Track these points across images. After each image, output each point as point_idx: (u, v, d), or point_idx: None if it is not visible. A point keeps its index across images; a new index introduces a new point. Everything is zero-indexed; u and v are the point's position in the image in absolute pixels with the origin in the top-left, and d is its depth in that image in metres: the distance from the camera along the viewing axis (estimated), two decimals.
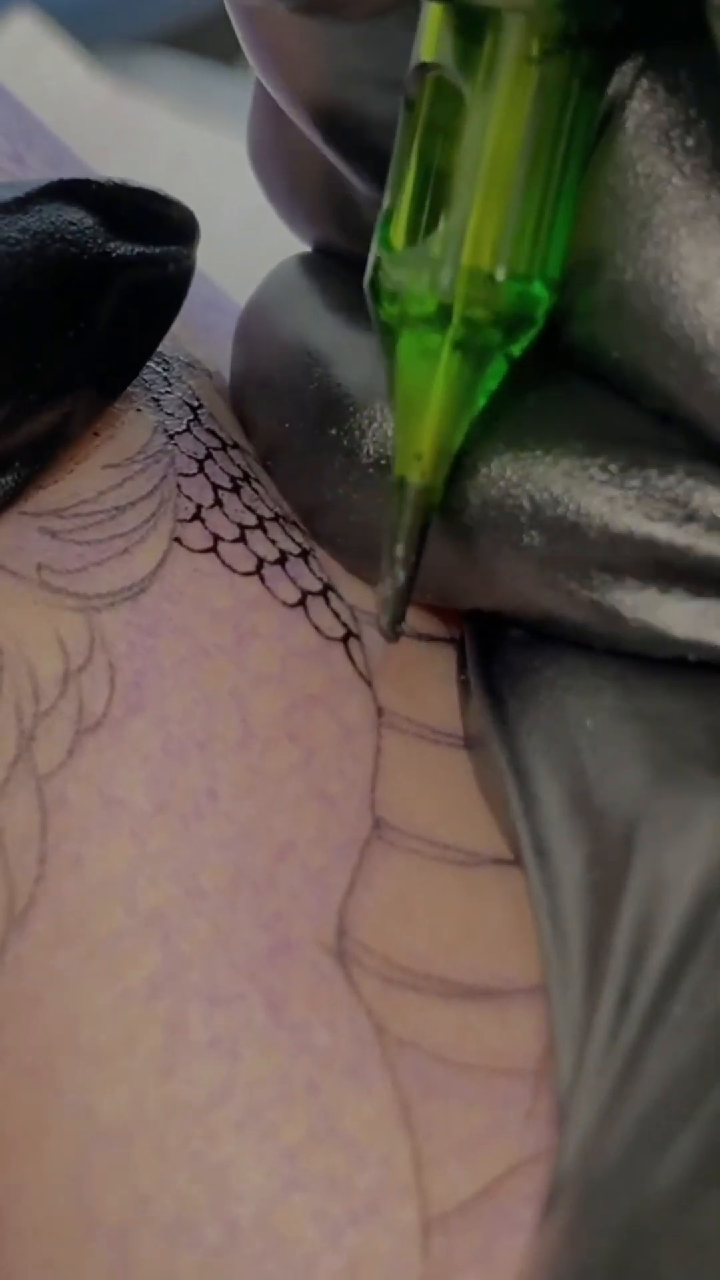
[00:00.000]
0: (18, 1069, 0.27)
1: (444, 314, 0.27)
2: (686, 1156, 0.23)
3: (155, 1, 0.81)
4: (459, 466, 0.28)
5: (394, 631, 0.29)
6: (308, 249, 0.34)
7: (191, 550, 0.30)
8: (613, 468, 0.26)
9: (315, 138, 0.30)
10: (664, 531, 0.26)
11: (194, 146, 0.61)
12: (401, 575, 0.28)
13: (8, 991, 0.27)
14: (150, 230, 0.31)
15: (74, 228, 0.29)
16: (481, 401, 0.27)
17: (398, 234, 0.27)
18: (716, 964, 0.24)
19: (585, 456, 0.27)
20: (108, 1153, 0.26)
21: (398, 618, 0.28)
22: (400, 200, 0.27)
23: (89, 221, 0.30)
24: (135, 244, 0.30)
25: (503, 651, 0.29)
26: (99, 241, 0.30)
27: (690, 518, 0.26)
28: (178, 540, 0.30)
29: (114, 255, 0.30)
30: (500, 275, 0.26)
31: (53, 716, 0.28)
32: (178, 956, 0.27)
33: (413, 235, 0.27)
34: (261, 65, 0.30)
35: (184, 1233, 0.25)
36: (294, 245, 0.34)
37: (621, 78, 0.26)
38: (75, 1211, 0.26)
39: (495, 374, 0.27)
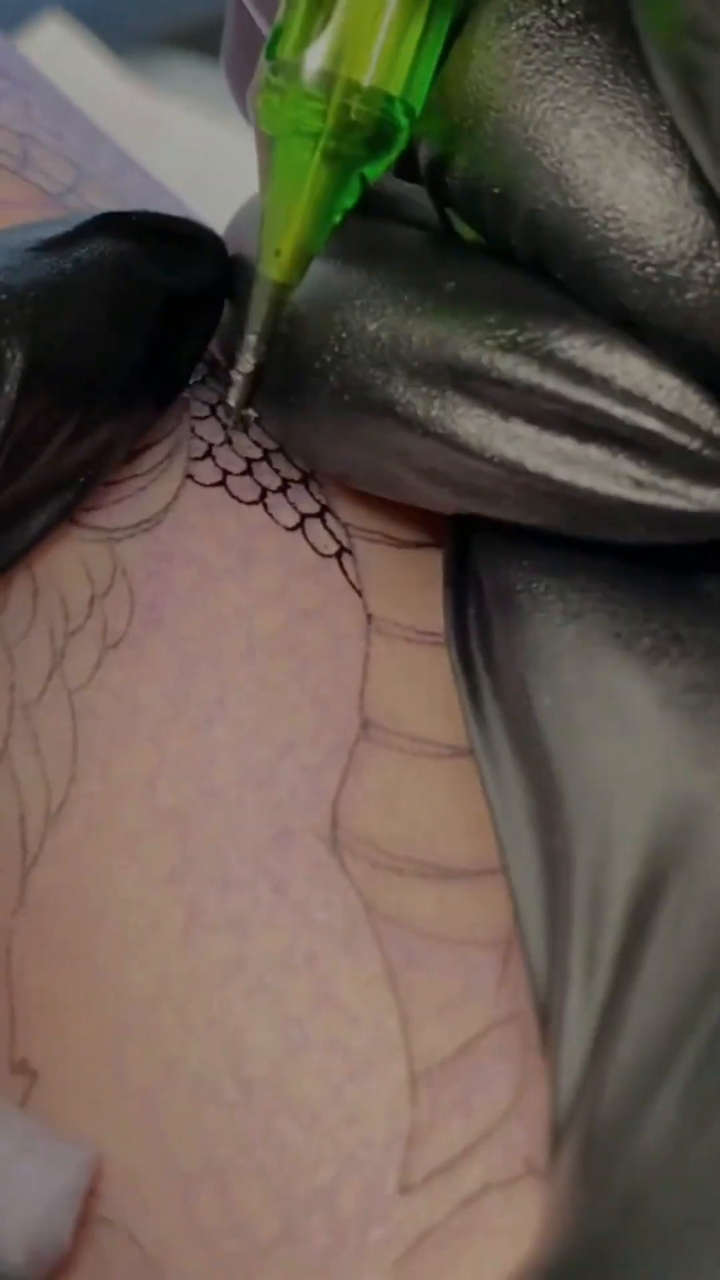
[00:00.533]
0: (59, 948, 0.30)
1: (316, 122, 0.29)
2: (670, 1108, 0.24)
3: (176, 4, 0.83)
4: (374, 344, 0.29)
5: (240, 417, 0.30)
6: None
7: (202, 485, 0.32)
8: (522, 334, 0.28)
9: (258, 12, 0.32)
10: (570, 391, 0.27)
11: (214, 145, 0.63)
12: (252, 360, 0.30)
13: (47, 880, 0.30)
14: (184, 256, 0.33)
15: (118, 259, 0.31)
16: (339, 215, 0.29)
17: (285, 47, 0.29)
18: (676, 924, 0.26)
19: (475, 321, 0.28)
20: (138, 1022, 0.29)
21: (244, 401, 0.30)
22: (292, 18, 0.29)
23: (130, 251, 0.32)
24: (172, 269, 0.32)
25: (479, 607, 0.30)
26: (141, 268, 0.32)
27: (585, 380, 0.27)
28: (190, 477, 0.32)
29: (155, 280, 0.32)
30: (369, 86, 0.28)
31: (81, 636, 0.31)
32: (193, 848, 0.29)
33: (298, 50, 0.29)
34: None
35: (206, 1092, 0.28)
36: None
37: None
38: (112, 1070, 0.29)
39: (352, 191, 0.29)
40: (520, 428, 0.28)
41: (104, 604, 0.31)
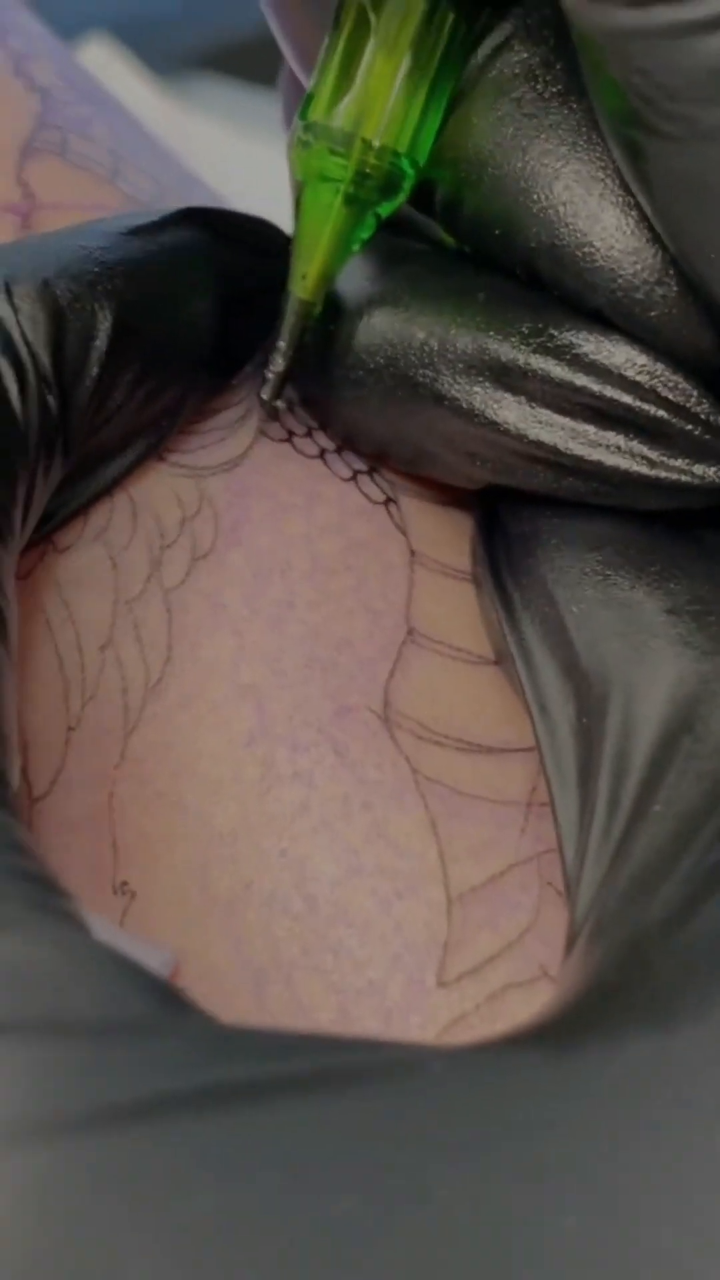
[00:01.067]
0: (156, 792, 0.35)
1: (340, 173, 0.35)
2: (670, 895, 0.28)
3: (211, 30, 0.87)
4: (424, 349, 0.35)
5: (272, 406, 0.37)
6: None
7: (272, 439, 0.39)
8: (548, 335, 0.34)
9: (302, 75, 0.38)
10: (593, 384, 0.33)
11: (243, 161, 0.67)
12: (281, 363, 0.36)
13: (148, 739, 0.35)
14: (257, 249, 0.38)
15: (197, 243, 0.37)
16: (355, 246, 0.36)
17: (316, 111, 0.35)
18: (681, 774, 0.30)
19: (513, 327, 0.34)
20: (221, 850, 0.34)
21: (275, 395, 0.37)
22: (323, 87, 0.35)
23: (208, 239, 0.37)
24: (245, 257, 0.38)
25: (505, 547, 0.36)
26: (215, 253, 0.37)
27: (604, 375, 0.33)
28: (262, 432, 0.39)
29: (225, 265, 0.37)
30: (380, 146, 0.35)
31: (174, 548, 0.37)
32: (268, 715, 0.35)
33: (326, 113, 0.35)
34: (275, 21, 0.37)
35: (277, 904, 0.34)
36: None
37: (500, 33, 0.34)
38: (198, 889, 0.34)
39: (368, 227, 0.36)
40: (552, 416, 0.34)
41: (193, 525, 0.37)
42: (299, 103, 0.36)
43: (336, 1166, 0.24)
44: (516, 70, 0.34)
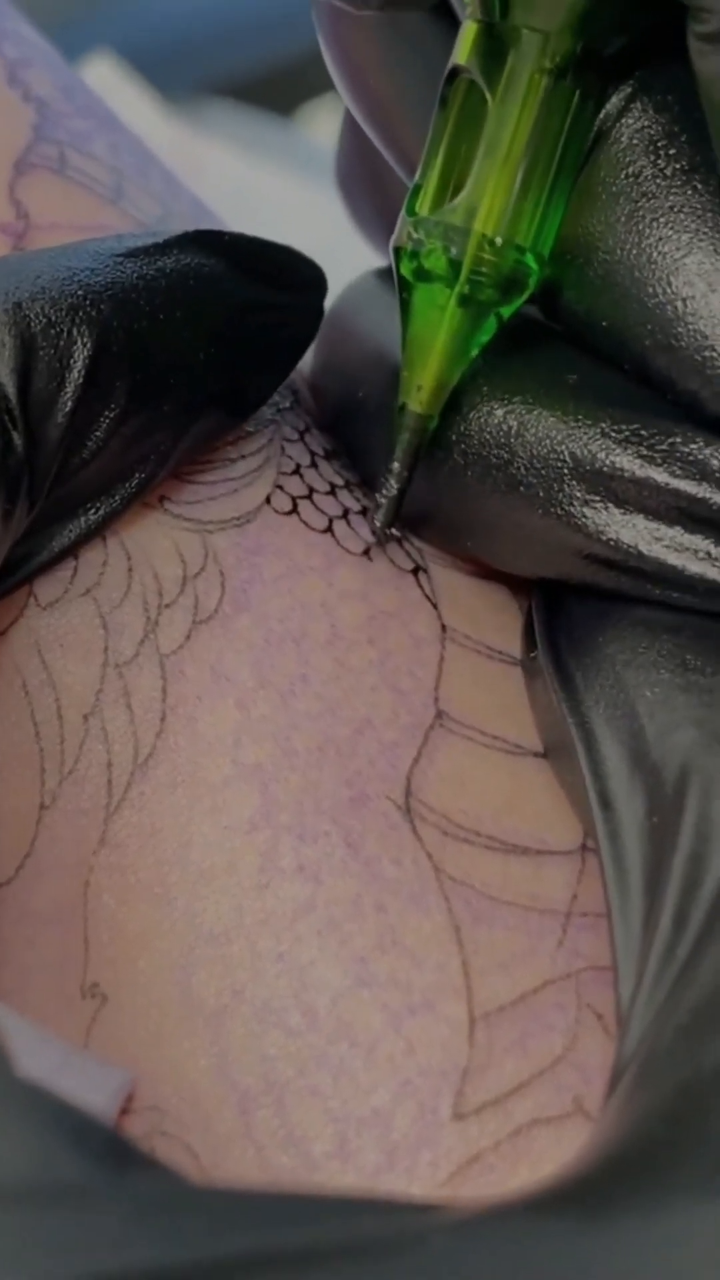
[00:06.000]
0: (137, 884, 0.32)
1: (453, 271, 0.32)
2: None
3: (221, 55, 0.87)
4: (500, 428, 0.33)
5: (385, 534, 0.35)
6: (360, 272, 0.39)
7: (290, 494, 0.36)
8: (641, 431, 0.31)
9: (387, 152, 0.35)
10: (688, 486, 0.31)
11: (249, 185, 0.65)
12: (395, 486, 0.34)
13: (132, 822, 0.32)
14: (279, 280, 0.36)
15: (205, 270, 0.34)
16: (475, 351, 0.33)
17: (424, 204, 0.33)
18: None
19: (600, 416, 0.31)
20: (210, 951, 0.31)
21: (389, 522, 0.34)
22: (429, 178, 0.33)
23: (220, 267, 0.34)
24: (264, 289, 0.35)
25: (568, 628, 0.33)
26: (226, 284, 0.34)
27: (704, 476, 0.31)
28: (279, 487, 0.36)
29: (240, 297, 0.35)
30: (501, 243, 0.32)
31: (174, 609, 0.34)
32: (273, 800, 0.32)
33: (435, 206, 0.33)
34: (345, 87, 0.35)
35: (271, 1015, 0.31)
36: (343, 280, 0.39)
37: (619, 97, 0.32)
38: (180, 995, 0.31)
39: (487, 329, 0.33)
40: (633, 516, 0.31)
41: (196, 583, 0.34)
42: (353, 167, 0.35)
43: None
44: (635, 140, 0.31)
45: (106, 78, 0.70)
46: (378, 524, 0.34)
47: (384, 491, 0.34)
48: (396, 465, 0.34)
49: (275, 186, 0.66)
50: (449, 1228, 0.23)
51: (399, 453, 0.33)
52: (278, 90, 0.85)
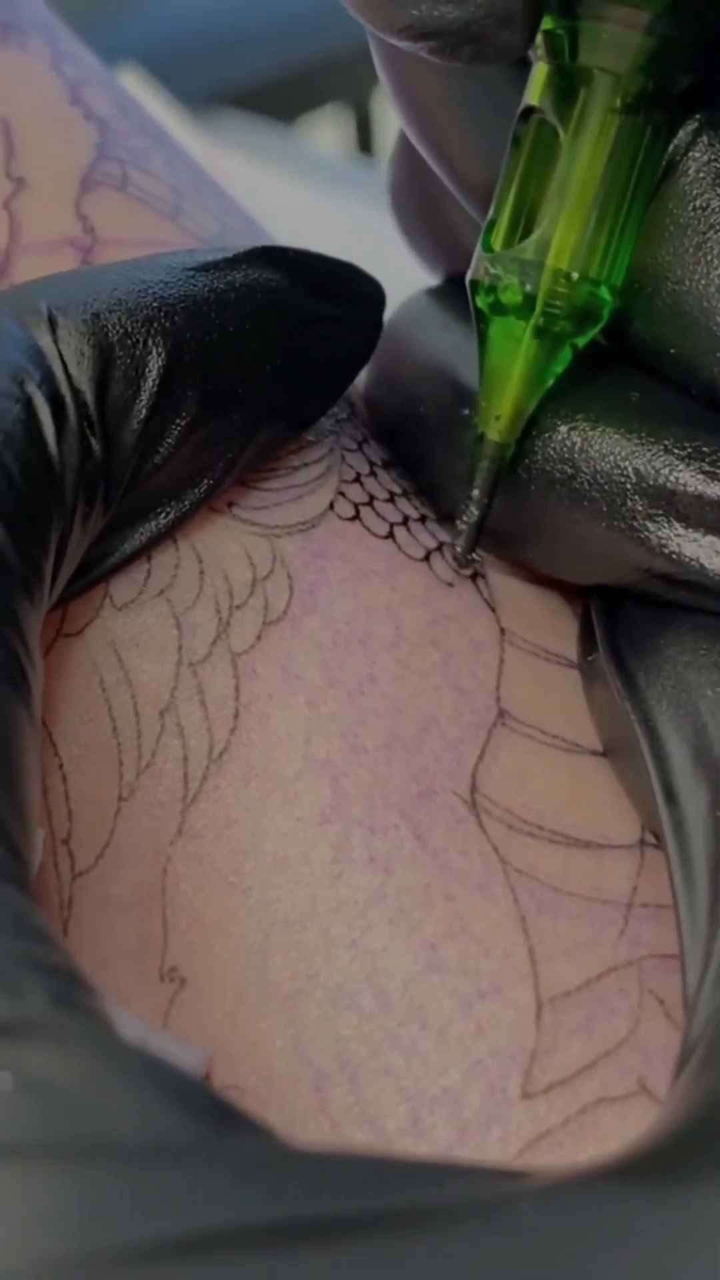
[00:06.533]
0: (215, 872, 0.33)
1: (529, 304, 0.33)
2: None
3: (224, 64, 0.87)
4: (564, 444, 0.34)
5: (467, 559, 0.36)
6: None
7: (352, 502, 0.37)
8: (703, 448, 0.32)
9: (450, 183, 0.36)
10: None
11: (267, 195, 0.65)
12: (475, 513, 0.34)
13: (208, 813, 0.33)
14: (340, 295, 0.37)
15: (271, 284, 0.35)
16: (550, 380, 0.34)
17: (498, 239, 0.34)
18: None
19: (663, 434, 0.32)
20: (285, 938, 0.32)
21: (470, 548, 0.35)
22: (502, 214, 0.33)
23: (284, 282, 0.35)
24: (325, 304, 0.36)
25: (628, 630, 0.34)
26: (291, 298, 0.35)
27: None
28: (341, 494, 0.37)
29: (303, 311, 0.35)
30: (576, 276, 0.33)
31: (244, 610, 0.35)
32: (344, 793, 0.33)
33: (509, 241, 0.33)
34: (406, 119, 0.36)
35: (344, 999, 0.32)
36: None
37: (685, 131, 0.32)
38: (257, 980, 0.32)
39: (563, 359, 0.34)
40: (695, 531, 0.32)
41: (265, 586, 0.35)
42: (408, 190, 0.35)
43: None
44: (701, 174, 0.32)
45: (132, 89, 0.71)
46: (459, 549, 0.35)
47: (464, 518, 0.35)
48: (476, 493, 0.34)
49: (278, 193, 0.67)
50: (536, 1193, 0.23)
51: (479, 480, 0.34)
52: (280, 99, 0.86)
